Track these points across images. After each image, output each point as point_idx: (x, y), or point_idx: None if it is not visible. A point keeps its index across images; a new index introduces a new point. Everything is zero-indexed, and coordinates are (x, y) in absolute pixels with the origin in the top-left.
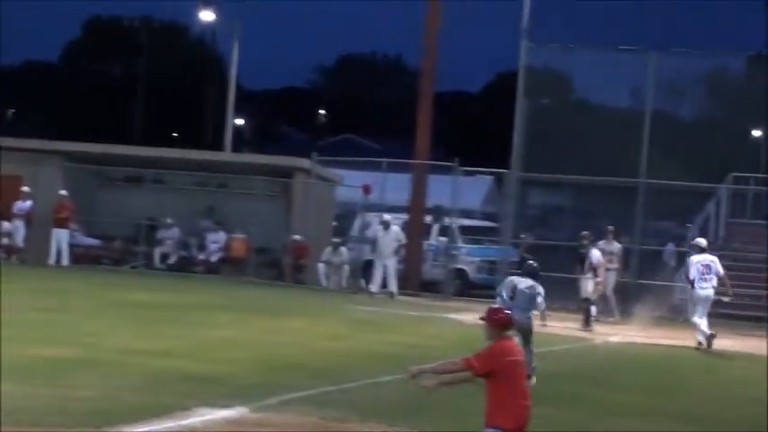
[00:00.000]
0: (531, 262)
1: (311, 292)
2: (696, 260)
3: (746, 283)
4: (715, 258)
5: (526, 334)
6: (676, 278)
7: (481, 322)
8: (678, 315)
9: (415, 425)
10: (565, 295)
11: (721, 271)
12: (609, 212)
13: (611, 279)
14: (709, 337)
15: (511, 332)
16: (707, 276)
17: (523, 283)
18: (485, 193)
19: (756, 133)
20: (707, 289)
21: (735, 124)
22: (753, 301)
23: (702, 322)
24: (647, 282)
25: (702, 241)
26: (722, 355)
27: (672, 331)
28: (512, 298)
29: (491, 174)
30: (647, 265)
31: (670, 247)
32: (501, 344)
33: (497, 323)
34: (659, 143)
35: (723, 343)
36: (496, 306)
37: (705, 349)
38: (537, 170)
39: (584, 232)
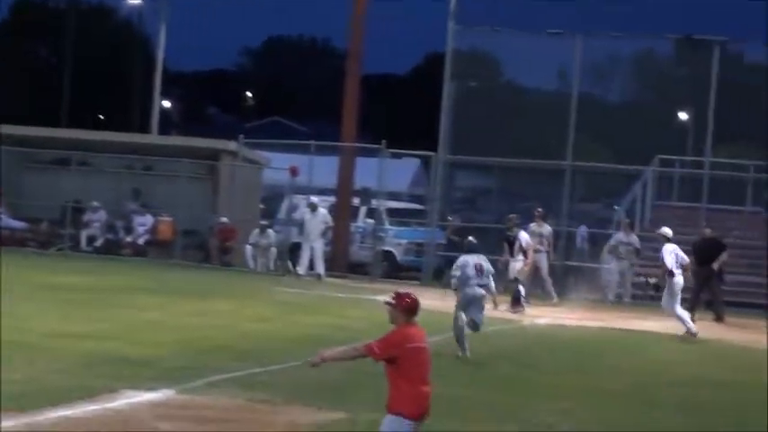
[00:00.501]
0: (471, 239)
1: (238, 274)
2: (671, 249)
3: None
4: (677, 246)
5: (478, 309)
6: (603, 260)
7: (387, 306)
8: (606, 298)
9: (343, 407)
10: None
11: (686, 259)
12: (536, 195)
13: (544, 262)
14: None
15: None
16: (677, 264)
17: (473, 259)
18: (412, 176)
19: (683, 116)
20: (680, 276)
21: (661, 107)
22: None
23: (684, 313)
24: (575, 264)
25: (668, 231)
26: (649, 336)
27: (600, 313)
28: (463, 274)
29: (418, 156)
30: (576, 248)
31: (582, 229)
32: (405, 330)
33: (404, 308)
34: (586, 126)
35: (650, 325)
36: (406, 291)
37: (689, 338)
38: (464, 153)
39: (512, 215)
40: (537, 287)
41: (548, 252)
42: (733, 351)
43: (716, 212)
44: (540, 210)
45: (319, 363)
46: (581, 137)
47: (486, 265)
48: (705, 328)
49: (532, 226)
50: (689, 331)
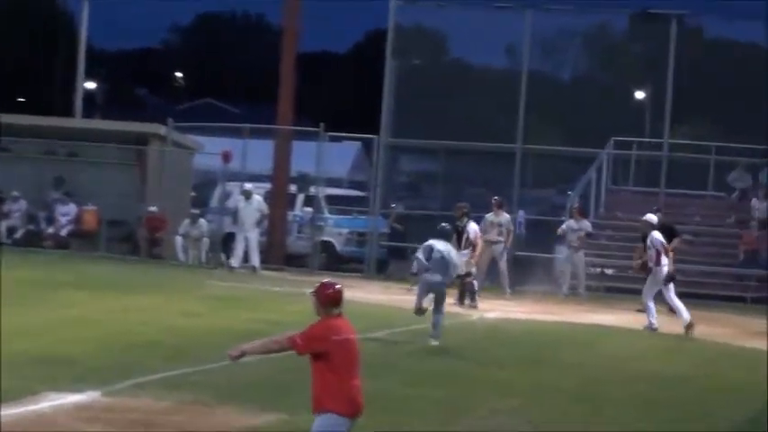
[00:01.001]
0: (444, 224)
1: (168, 267)
2: (657, 237)
3: (628, 254)
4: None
5: (439, 298)
6: (556, 250)
7: (312, 298)
8: (559, 289)
9: (281, 407)
10: None
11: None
12: (485, 180)
13: (502, 253)
14: (689, 326)
15: (431, 295)
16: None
17: (441, 246)
18: (352, 161)
19: (639, 95)
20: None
21: (617, 86)
22: (634, 274)
23: (653, 306)
24: (526, 254)
25: (653, 217)
26: (604, 330)
27: (552, 306)
28: (428, 260)
29: (359, 139)
30: (528, 237)
31: (521, 215)
32: (329, 322)
33: (327, 299)
34: (537, 106)
35: (605, 318)
36: (327, 281)
37: (653, 331)
38: (408, 135)
39: (461, 203)
40: (492, 280)
41: (506, 243)
42: (694, 345)
43: (676, 197)
44: (497, 198)
45: (239, 356)
46: (532, 117)
47: (453, 255)
48: (665, 322)
49: (489, 216)
50: (650, 326)
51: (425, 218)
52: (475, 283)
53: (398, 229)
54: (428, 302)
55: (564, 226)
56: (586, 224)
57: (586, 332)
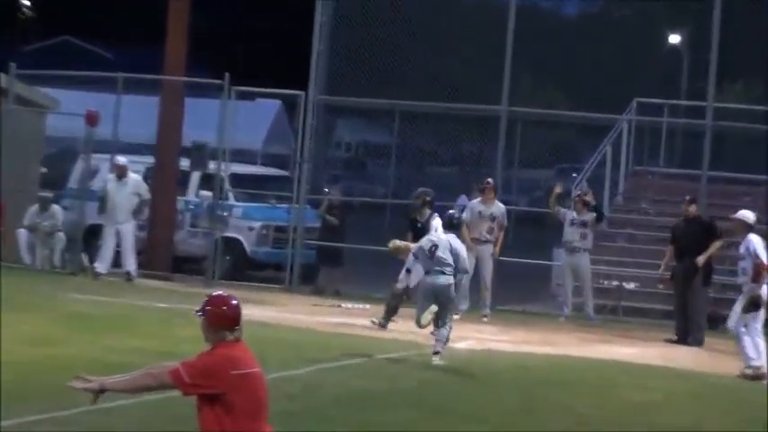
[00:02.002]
0: (452, 212)
1: (7, 272)
2: (758, 243)
3: (656, 261)
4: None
5: (445, 304)
6: (555, 255)
7: (198, 318)
8: (557, 310)
9: None
10: (383, 278)
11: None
12: (456, 156)
13: (488, 259)
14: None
15: (431, 304)
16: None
17: (444, 238)
18: (269, 127)
19: (674, 40)
20: None
21: (643, 28)
22: (664, 289)
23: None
24: (510, 259)
25: (750, 215)
26: (616, 368)
27: (547, 333)
28: (431, 258)
29: (278, 97)
30: (516, 236)
31: (462, 200)
32: (224, 351)
33: (218, 319)
34: (530, 53)
35: (622, 352)
36: (219, 293)
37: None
38: (348, 92)
39: (423, 189)
40: (472, 294)
41: (496, 244)
42: (736, 389)
43: (722, 183)
44: (489, 181)
45: (98, 391)
46: (522, 70)
47: (459, 247)
48: (686, 354)
49: (476, 205)
50: (756, 369)
51: (371, 208)
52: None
53: (333, 223)
54: (427, 319)
55: (562, 214)
56: (591, 217)
57: (597, 371)
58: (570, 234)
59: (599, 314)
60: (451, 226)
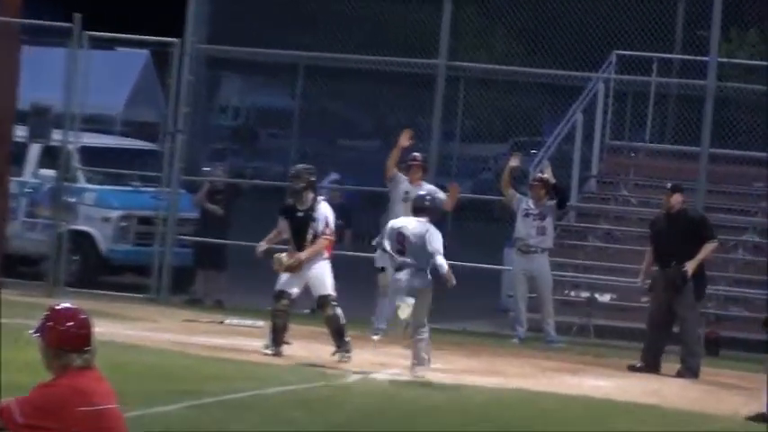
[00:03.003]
0: (423, 194)
1: None
2: None
3: (638, 266)
4: None
5: (420, 307)
6: (505, 257)
7: (36, 339)
8: (509, 329)
9: None
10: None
11: None
12: (378, 126)
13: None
14: None
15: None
16: None
17: (415, 226)
18: (133, 86)
19: None
20: None
21: None
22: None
23: None
24: (449, 262)
25: None
26: (587, 405)
27: (495, 360)
28: (401, 252)
29: (146, 46)
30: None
31: (332, 177)
32: (68, 382)
33: (61, 340)
34: None
35: (591, 384)
36: (64, 305)
37: None
38: (234, 41)
39: (302, 166)
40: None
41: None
42: None
43: (726, 163)
44: (416, 156)
45: None
46: (467, 13)
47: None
48: (678, 389)
49: (406, 186)
50: None
51: (266, 192)
52: (339, 314)
53: (216, 213)
54: (406, 312)
55: (516, 201)
56: (550, 207)
57: (562, 411)
58: (524, 229)
59: (564, 335)
60: (420, 209)
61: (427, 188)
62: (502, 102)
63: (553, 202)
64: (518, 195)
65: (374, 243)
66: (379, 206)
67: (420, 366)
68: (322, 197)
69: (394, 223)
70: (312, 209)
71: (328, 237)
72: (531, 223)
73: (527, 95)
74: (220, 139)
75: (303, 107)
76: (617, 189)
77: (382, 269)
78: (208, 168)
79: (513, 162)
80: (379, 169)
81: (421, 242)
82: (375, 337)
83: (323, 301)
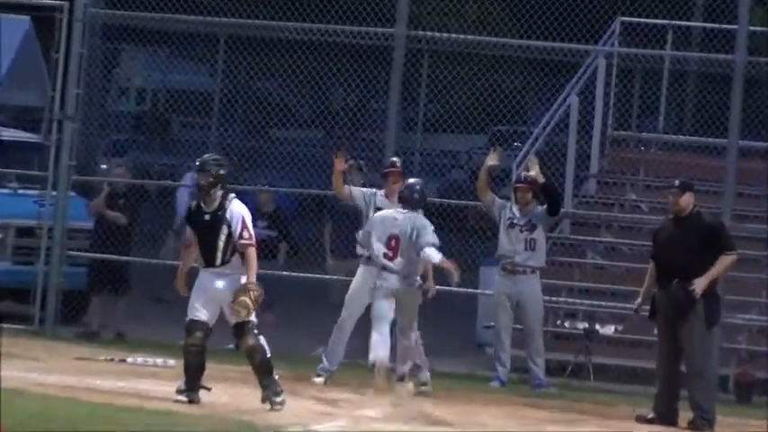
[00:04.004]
0: (413, 181)
1: None
2: None
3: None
4: None
5: (407, 313)
6: (482, 278)
7: None
8: (489, 370)
9: None
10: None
11: None
12: (320, 111)
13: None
14: None
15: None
16: None
17: (404, 220)
18: (11, 61)
19: None
20: None
21: None
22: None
23: None
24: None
25: None
26: None
27: (472, 409)
28: (388, 257)
29: (26, 11)
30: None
31: (188, 181)
32: None
33: None
34: None
35: None
36: None
37: None
38: (138, 5)
39: (211, 156)
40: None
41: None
42: None
43: (756, 159)
44: (395, 161)
45: None
46: None
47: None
48: None
49: (379, 199)
50: None
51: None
52: (263, 344)
53: (117, 222)
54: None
55: (496, 206)
56: (540, 212)
57: None
58: (509, 243)
59: (556, 377)
60: (408, 201)
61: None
62: (477, 82)
63: (543, 209)
64: (499, 201)
65: (358, 238)
66: (321, 213)
67: (421, 373)
68: (233, 195)
69: (384, 225)
70: (221, 209)
71: (249, 243)
72: (518, 236)
73: (508, 74)
74: (122, 129)
75: (225, 89)
76: (622, 192)
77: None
78: (106, 166)
79: (492, 160)
80: (321, 166)
81: (412, 240)
82: (318, 380)
83: (240, 328)
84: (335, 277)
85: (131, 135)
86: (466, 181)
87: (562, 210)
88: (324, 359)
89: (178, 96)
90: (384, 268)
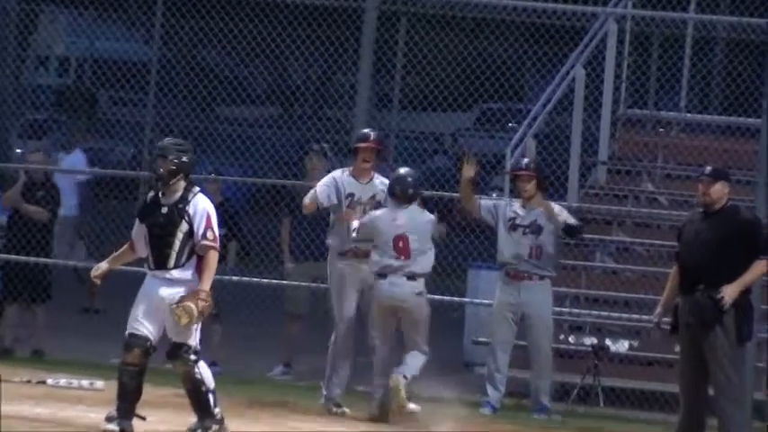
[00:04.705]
0: (404, 172)
1: None
2: None
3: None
4: None
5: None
6: (473, 286)
7: None
8: (475, 393)
9: None
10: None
11: None
12: (276, 85)
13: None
14: None
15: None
16: None
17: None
18: None
19: None
20: None
21: None
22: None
23: None
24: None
25: None
26: None
27: None
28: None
29: None
30: None
31: (76, 159)
32: None
33: None
34: None
35: None
36: None
37: None
38: None
39: (170, 139)
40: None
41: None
42: None
43: None
44: (368, 134)
45: None
46: None
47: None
48: None
49: (341, 177)
50: None
51: (112, 187)
52: (206, 380)
53: (36, 218)
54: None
55: (489, 211)
56: (554, 211)
57: None
58: (511, 247)
59: (559, 402)
60: (402, 195)
61: (380, 184)
62: (463, 50)
63: (551, 205)
64: (487, 202)
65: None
66: (278, 206)
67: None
68: (198, 189)
69: (384, 229)
70: (183, 201)
71: (211, 245)
72: (521, 240)
73: (501, 41)
74: (40, 107)
75: (164, 58)
76: (637, 182)
77: None
78: (21, 150)
79: (468, 171)
80: (277, 150)
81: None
82: (337, 410)
83: (175, 351)
84: (295, 283)
85: (51, 113)
86: (451, 168)
87: (565, 205)
88: (323, 387)
89: (107, 67)
90: (385, 275)
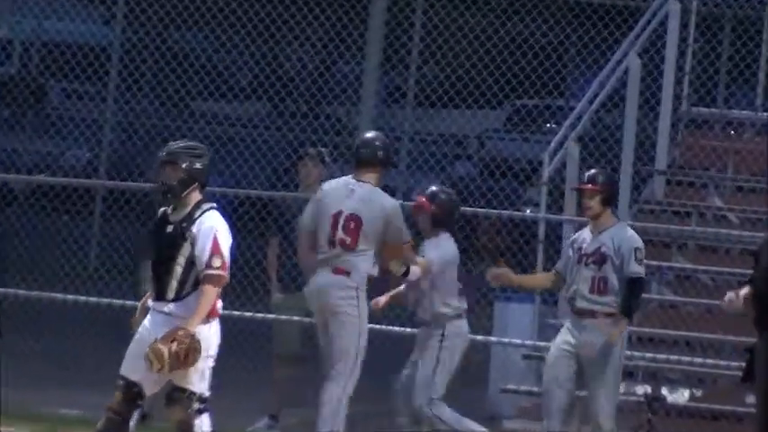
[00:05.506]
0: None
1: None
2: None
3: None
4: None
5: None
6: (501, 322)
7: None
8: None
9: None
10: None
11: None
12: (267, 73)
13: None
14: None
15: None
16: None
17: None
18: None
19: None
20: None
21: None
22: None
23: None
24: (383, 327)
25: None
26: None
27: None
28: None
29: None
30: None
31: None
32: None
33: None
34: None
35: None
36: None
37: None
38: None
39: (182, 143)
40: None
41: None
42: None
43: None
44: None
45: None
46: None
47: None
48: None
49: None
50: None
51: (65, 197)
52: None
53: None
54: None
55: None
56: (624, 238)
57: None
58: (575, 281)
59: None
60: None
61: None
62: (492, 35)
63: (616, 227)
64: (559, 267)
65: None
66: (264, 222)
67: None
68: (211, 204)
69: None
70: (189, 220)
71: (217, 274)
72: (581, 273)
73: (539, 24)
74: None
75: (128, 43)
76: (703, 196)
77: None
78: None
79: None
80: (265, 154)
81: None
82: None
83: (175, 396)
84: (284, 317)
85: None
86: (475, 177)
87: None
88: None
89: (60, 53)
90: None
